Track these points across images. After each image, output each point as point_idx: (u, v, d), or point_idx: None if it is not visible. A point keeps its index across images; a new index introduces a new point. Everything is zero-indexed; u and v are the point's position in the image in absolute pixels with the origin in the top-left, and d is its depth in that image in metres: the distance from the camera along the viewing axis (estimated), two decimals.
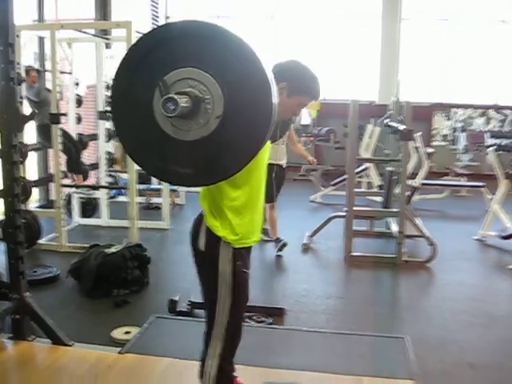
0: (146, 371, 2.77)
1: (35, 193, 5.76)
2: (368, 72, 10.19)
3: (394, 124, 5.32)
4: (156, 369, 2.80)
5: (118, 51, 6.58)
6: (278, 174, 4.94)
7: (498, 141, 9.36)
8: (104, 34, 6.31)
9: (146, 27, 9.03)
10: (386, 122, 5.76)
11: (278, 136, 4.62)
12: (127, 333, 3.20)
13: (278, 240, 5.01)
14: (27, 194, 4.52)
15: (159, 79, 1.48)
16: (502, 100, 9.98)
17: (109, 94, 6.20)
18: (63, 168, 5.26)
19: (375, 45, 10.06)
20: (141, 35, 1.61)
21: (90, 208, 6.14)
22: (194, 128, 1.52)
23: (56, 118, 4.73)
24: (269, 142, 1.87)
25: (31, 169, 6.04)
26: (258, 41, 1.83)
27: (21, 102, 4.40)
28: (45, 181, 6.07)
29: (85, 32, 5.46)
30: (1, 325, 3.13)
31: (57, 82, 4.79)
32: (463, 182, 8.31)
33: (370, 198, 7.20)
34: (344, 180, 7.12)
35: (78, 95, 5.91)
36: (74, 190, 5.78)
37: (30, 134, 5.39)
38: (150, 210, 6.70)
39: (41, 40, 6.24)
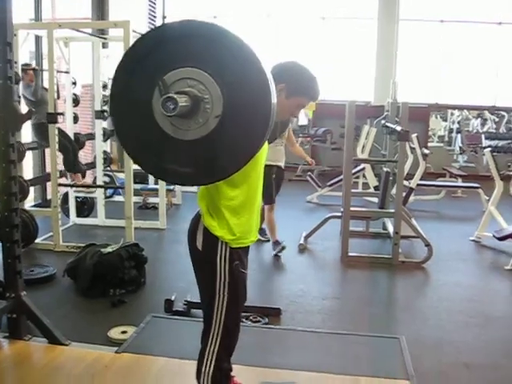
0: (142, 371, 2.78)
1: (31, 192, 5.73)
2: (364, 73, 10.22)
3: (390, 125, 5.34)
4: (152, 368, 2.81)
5: (115, 51, 6.59)
6: (277, 176, 4.96)
7: (493, 142, 9.41)
8: (101, 33, 6.30)
9: (143, 27, 9.04)
10: (382, 122, 5.77)
11: (277, 135, 4.63)
12: (124, 332, 3.20)
13: (276, 243, 5.00)
14: (24, 193, 4.52)
15: (158, 79, 1.48)
16: (499, 101, 10.02)
17: (106, 93, 6.22)
18: (60, 167, 5.24)
19: (371, 46, 10.10)
20: (138, 35, 1.62)
21: (86, 207, 6.13)
22: (193, 127, 1.53)
23: (53, 118, 4.73)
24: (266, 142, 1.88)
25: (27, 168, 6.02)
26: (254, 40, 1.83)
27: (18, 101, 4.41)
28: (41, 180, 6.06)
29: (82, 31, 5.45)
30: None
31: (54, 82, 4.78)
32: (459, 182, 8.34)
33: (367, 198, 7.22)
34: (340, 181, 7.14)
35: (74, 94, 5.90)
36: (73, 189, 5.78)
37: (25, 132, 5.38)
38: (147, 209, 6.70)
39: (37, 39, 6.22)
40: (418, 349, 3.13)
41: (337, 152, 9.01)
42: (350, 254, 4.94)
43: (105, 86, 6.29)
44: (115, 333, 3.21)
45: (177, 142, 1.54)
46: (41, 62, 6.22)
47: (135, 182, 5.22)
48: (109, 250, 4.01)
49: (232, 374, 2.26)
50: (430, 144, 10.01)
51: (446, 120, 10.37)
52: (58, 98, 5.28)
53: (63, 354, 2.90)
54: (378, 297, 4.31)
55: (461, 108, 10.18)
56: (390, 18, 9.89)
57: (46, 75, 5.47)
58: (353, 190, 5.63)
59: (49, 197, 6.32)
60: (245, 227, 2.03)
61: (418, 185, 7.01)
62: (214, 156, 1.56)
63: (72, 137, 5.78)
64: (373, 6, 9.93)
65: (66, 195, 5.82)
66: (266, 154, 2.03)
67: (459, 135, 10.04)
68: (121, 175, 6.47)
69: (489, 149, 5.89)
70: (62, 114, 4.94)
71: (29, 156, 5.72)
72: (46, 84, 5.28)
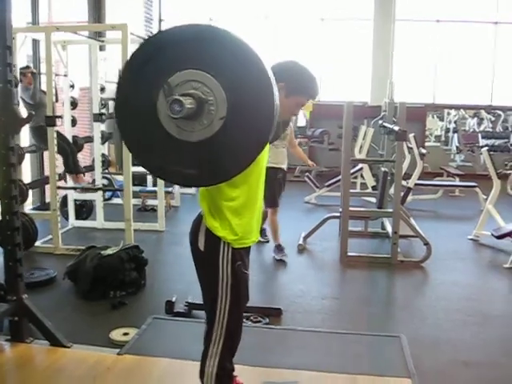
0: (144, 372, 2.79)
1: (29, 195, 5.74)
2: (361, 73, 10.25)
3: (388, 125, 5.36)
4: (155, 370, 2.82)
5: (112, 53, 6.60)
6: (280, 178, 4.94)
7: (490, 141, 9.44)
8: (98, 36, 6.32)
9: (140, 30, 9.05)
10: (380, 122, 5.80)
11: (279, 134, 4.61)
12: (125, 334, 3.21)
13: (279, 247, 5.00)
14: (24, 197, 4.53)
15: (163, 81, 1.50)
16: (495, 101, 10.06)
17: (103, 96, 6.23)
18: (59, 170, 5.25)
19: (368, 46, 10.13)
20: (136, 37, 1.64)
21: (85, 210, 6.14)
22: (197, 129, 1.54)
23: (52, 121, 4.74)
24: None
25: (25, 171, 6.03)
26: (252, 41, 1.85)
27: (17, 105, 4.42)
28: (40, 183, 6.06)
29: (80, 34, 5.46)
30: None
31: (52, 85, 4.80)
32: (457, 182, 8.36)
33: (365, 198, 7.24)
34: (338, 181, 7.16)
35: (72, 97, 5.91)
36: (72, 191, 5.78)
37: (23, 135, 5.39)
38: (146, 211, 6.71)
39: (35, 42, 6.23)
40: (417, 347, 3.14)
41: (334, 153, 9.03)
42: (349, 253, 4.96)
43: (102, 89, 6.29)
44: (117, 335, 3.22)
45: (181, 143, 1.56)
46: (38, 65, 6.22)
47: (134, 184, 5.24)
48: (109, 252, 4.01)
49: (234, 373, 2.28)
50: (426, 144, 10.04)
51: (442, 120, 10.40)
52: (57, 101, 5.29)
53: (65, 356, 2.91)
54: (377, 296, 4.33)
55: (457, 107, 10.21)
56: (386, 19, 9.92)
57: (43, 78, 5.49)
58: (351, 191, 5.65)
59: (47, 200, 6.34)
60: (246, 227, 2.05)
61: (415, 184, 7.03)
62: (218, 157, 1.57)
63: (70, 140, 5.78)
64: (369, 6, 9.96)
65: (64, 198, 5.83)
66: (266, 155, 2.04)
67: (456, 135, 10.07)
68: (119, 178, 6.48)
69: (486, 148, 5.91)
70: (60, 117, 4.95)
71: (27, 159, 5.72)
72: (44, 87, 5.29)
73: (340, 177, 6.50)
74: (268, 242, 5.28)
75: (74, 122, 5.93)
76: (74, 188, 5.76)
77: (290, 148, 5.13)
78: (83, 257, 4.04)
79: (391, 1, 9.92)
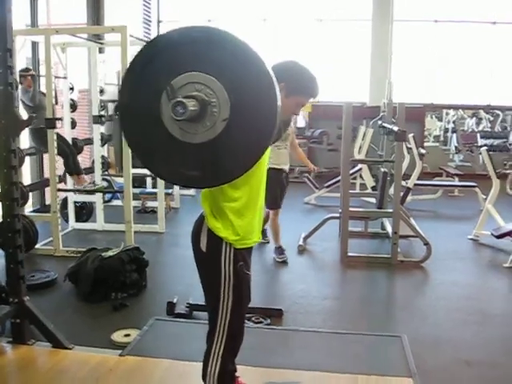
0: (147, 373, 2.79)
1: (29, 197, 5.74)
2: (359, 74, 10.26)
3: (387, 125, 5.37)
4: (157, 371, 2.82)
5: (111, 55, 6.62)
6: (283, 180, 4.92)
7: (489, 141, 9.46)
8: (97, 38, 6.32)
9: (139, 32, 9.06)
10: (379, 123, 5.81)
11: (281, 134, 4.59)
12: (127, 335, 3.22)
13: (280, 249, 5.00)
14: (24, 199, 4.53)
15: (166, 84, 1.51)
16: (494, 100, 10.08)
17: (103, 98, 6.23)
18: (59, 172, 5.25)
19: (366, 47, 10.14)
20: (135, 39, 1.66)
21: (85, 212, 6.14)
22: (200, 131, 1.55)
23: (51, 123, 4.74)
24: None
25: (25, 173, 6.03)
26: (252, 42, 1.87)
27: (18, 107, 4.42)
28: (40, 185, 6.06)
29: (79, 37, 5.47)
30: (0, 329, 3.14)
31: (52, 87, 4.80)
32: (456, 182, 8.38)
33: (364, 199, 7.25)
34: (338, 182, 7.17)
35: (72, 100, 5.91)
36: (72, 193, 5.78)
37: (23, 138, 5.39)
38: (145, 213, 6.71)
39: (34, 44, 6.24)
40: (418, 347, 3.15)
41: (333, 153, 9.04)
42: (350, 254, 4.97)
43: (102, 91, 6.30)
44: (118, 336, 3.22)
45: (184, 145, 1.57)
46: (37, 67, 6.23)
47: (133, 186, 5.24)
48: (110, 253, 4.02)
49: (236, 374, 2.28)
50: (425, 144, 10.06)
51: (441, 120, 10.42)
52: (56, 103, 5.30)
53: (67, 357, 2.91)
54: (377, 296, 4.34)
55: (456, 108, 10.22)
56: (384, 19, 9.94)
57: (42, 81, 5.50)
58: (351, 191, 5.66)
59: (47, 202, 6.34)
60: (248, 228, 2.06)
61: (415, 184, 7.04)
62: (221, 159, 1.58)
63: (70, 142, 5.78)
64: (367, 7, 9.99)
65: (64, 200, 5.83)
66: (268, 155, 2.05)
67: (455, 135, 10.09)
68: (119, 180, 6.49)
69: (485, 148, 5.93)
70: (60, 119, 4.96)
71: (26, 161, 5.73)
72: (43, 89, 5.30)
73: (339, 177, 6.52)
74: (268, 242, 5.29)
75: (73, 124, 5.93)
76: (74, 190, 5.76)
77: (291, 149, 5.09)
78: (84, 259, 4.04)
79: (389, 1, 9.94)
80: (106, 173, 6.84)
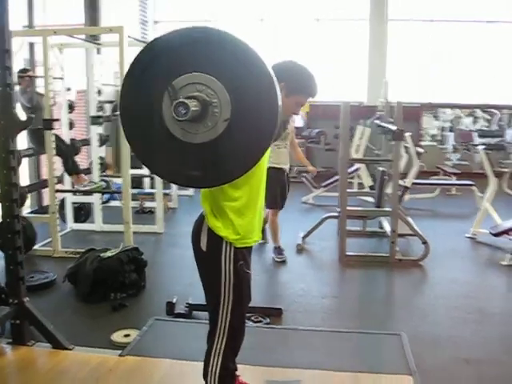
0: (147, 373, 2.80)
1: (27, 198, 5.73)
2: (355, 73, 10.27)
3: (385, 124, 5.38)
4: (157, 370, 2.83)
5: (108, 56, 6.61)
6: (283, 179, 4.89)
7: (485, 140, 9.46)
8: (94, 39, 6.32)
9: (136, 32, 9.05)
10: (377, 122, 5.82)
11: (281, 133, 4.57)
12: (127, 336, 3.22)
13: (279, 248, 5.00)
14: (22, 200, 4.53)
15: (167, 85, 1.52)
16: (491, 99, 10.09)
17: (101, 99, 6.23)
18: (57, 173, 5.24)
19: (363, 46, 10.16)
20: (133, 40, 1.66)
21: (83, 213, 6.14)
22: (202, 131, 1.56)
23: (49, 124, 4.74)
24: None
25: (22, 175, 6.02)
26: (251, 43, 1.89)
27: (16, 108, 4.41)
28: (38, 186, 6.06)
29: (76, 37, 5.46)
30: (0, 330, 3.14)
31: (49, 88, 4.80)
32: (453, 180, 8.39)
33: (362, 198, 7.26)
34: (335, 181, 7.18)
35: (70, 101, 5.90)
36: (70, 194, 5.77)
37: (19, 139, 5.37)
38: (144, 214, 6.71)
39: (31, 45, 6.23)
40: (418, 345, 3.16)
41: (331, 153, 9.03)
42: (348, 253, 4.97)
43: (99, 92, 6.28)
44: (118, 336, 3.23)
45: (186, 145, 1.58)
46: (34, 68, 6.22)
47: (131, 187, 5.23)
48: (108, 254, 4.02)
49: (237, 373, 2.29)
50: (422, 143, 10.06)
51: (437, 119, 10.42)
52: (54, 104, 5.29)
53: (67, 358, 2.92)
54: (376, 295, 4.34)
55: (453, 107, 10.23)
56: (381, 19, 9.96)
57: (39, 82, 5.49)
58: (348, 190, 5.67)
59: (45, 203, 6.34)
60: (248, 227, 2.07)
61: (412, 183, 7.05)
62: (223, 159, 1.59)
63: (68, 143, 5.77)
64: (364, 6, 10.01)
65: (62, 201, 5.83)
66: (268, 155, 2.06)
67: (452, 133, 10.10)
68: (117, 180, 6.48)
69: (483, 147, 5.94)
70: (58, 120, 4.95)
71: (24, 162, 5.71)
72: (40, 90, 5.29)
73: (337, 177, 6.53)
74: (266, 243, 5.29)
75: (71, 125, 5.92)
76: (73, 191, 5.75)
77: (291, 148, 5.06)
78: (83, 259, 4.05)
79: (386, 1, 9.96)
80: (104, 174, 6.83)
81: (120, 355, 2.93)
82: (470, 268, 4.96)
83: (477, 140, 9.21)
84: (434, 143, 10.32)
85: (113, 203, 6.83)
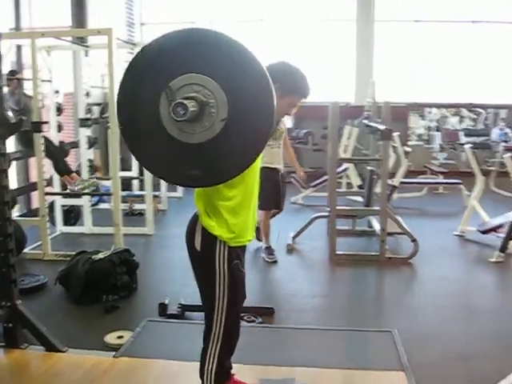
0: (141, 374, 2.80)
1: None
2: (342, 74, 10.33)
3: (373, 124, 5.43)
4: (152, 371, 2.84)
5: (96, 58, 6.59)
6: (277, 180, 4.87)
7: (472, 139, 9.56)
8: (81, 41, 6.30)
9: (122, 34, 9.04)
10: (365, 122, 5.87)
11: (274, 132, 4.57)
12: (120, 337, 3.22)
13: (270, 249, 5.01)
14: (13, 203, 4.50)
15: (164, 86, 1.53)
16: (476, 99, 10.20)
17: (89, 101, 6.21)
18: (46, 176, 5.22)
19: (350, 47, 10.22)
20: (121, 42, 1.67)
21: (72, 216, 6.11)
22: (199, 131, 1.58)
23: (38, 127, 4.72)
24: None
25: (10, 178, 5.97)
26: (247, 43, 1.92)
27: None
28: (27, 189, 6.02)
29: (64, 40, 5.44)
30: None
31: (38, 90, 4.78)
32: (441, 179, 8.47)
33: (351, 197, 7.30)
34: (324, 181, 7.22)
35: (58, 103, 5.88)
36: (59, 197, 5.74)
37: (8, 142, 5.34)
38: (133, 216, 6.69)
39: (18, 48, 6.20)
40: (409, 342, 3.18)
41: (319, 153, 9.09)
42: (338, 252, 5.01)
43: (87, 94, 6.26)
44: (111, 338, 3.22)
45: (184, 145, 1.60)
46: (22, 71, 6.18)
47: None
48: (100, 256, 4.01)
49: (232, 372, 2.31)
50: (409, 143, 10.14)
51: (424, 118, 10.51)
52: (42, 106, 5.26)
53: (61, 360, 2.91)
54: (367, 293, 4.38)
55: (439, 106, 10.32)
56: (368, 20, 10.03)
57: (27, 84, 5.46)
58: (338, 190, 5.70)
59: (34, 206, 6.30)
60: (243, 226, 2.09)
61: (400, 182, 7.11)
62: (220, 158, 1.62)
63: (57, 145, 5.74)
64: (351, 7, 10.08)
65: (51, 204, 5.80)
66: (261, 155, 2.08)
67: (438, 133, 10.19)
68: (105, 183, 6.46)
69: (469, 145, 6.01)
70: (46, 122, 4.93)
71: (12, 166, 5.67)
72: (28, 92, 5.26)
73: (326, 177, 6.57)
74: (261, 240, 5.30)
75: (59, 128, 5.89)
76: (62, 194, 5.72)
77: (283, 149, 5.01)
78: (74, 262, 4.03)
79: (372, 2, 10.03)
80: (94, 176, 6.80)
81: (114, 356, 2.93)
82: (458, 265, 5.01)
83: (463, 139, 9.32)
84: (421, 143, 10.41)
85: (102, 206, 6.81)
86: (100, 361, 2.90)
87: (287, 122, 5.02)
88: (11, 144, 5.59)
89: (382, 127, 4.88)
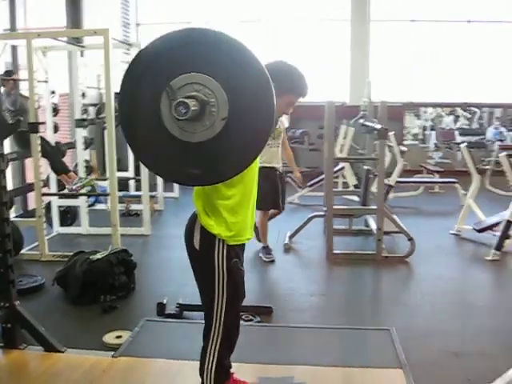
0: (141, 373, 2.81)
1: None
2: (338, 74, 10.35)
3: (370, 124, 5.44)
4: (151, 370, 2.85)
5: (92, 59, 6.58)
6: (275, 180, 4.83)
7: (467, 138, 9.61)
8: (77, 41, 6.29)
9: (118, 34, 9.03)
10: (362, 121, 5.88)
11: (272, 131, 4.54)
12: (118, 337, 3.22)
13: (267, 248, 5.01)
14: (10, 204, 4.49)
15: (165, 86, 1.54)
16: (471, 98, 10.24)
17: (85, 101, 6.20)
18: (43, 176, 5.20)
19: (345, 47, 10.25)
20: (117, 42, 1.69)
21: (69, 216, 6.10)
22: (199, 130, 1.59)
23: (35, 127, 4.71)
24: None
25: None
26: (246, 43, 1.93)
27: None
28: (23, 190, 6.01)
29: (60, 40, 5.43)
30: None
31: (34, 91, 4.77)
32: (437, 178, 8.50)
33: (347, 197, 7.32)
34: (320, 181, 7.23)
35: (54, 104, 5.87)
36: (56, 198, 5.73)
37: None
38: (130, 216, 6.69)
39: (14, 49, 6.19)
40: (406, 340, 3.20)
41: (315, 153, 9.11)
42: (335, 251, 5.02)
43: (83, 95, 6.25)
44: (110, 338, 3.22)
45: (185, 144, 1.61)
46: (17, 71, 6.18)
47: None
48: (98, 256, 4.02)
49: (231, 371, 2.32)
50: (405, 142, 10.17)
51: (419, 118, 10.55)
52: (38, 107, 5.25)
53: (60, 360, 2.91)
54: (364, 292, 4.40)
55: (435, 106, 10.36)
56: (363, 20, 10.06)
57: (22, 85, 5.46)
58: (334, 189, 5.72)
59: (30, 207, 6.29)
60: (241, 225, 2.10)
61: (396, 182, 7.13)
62: (219, 157, 1.63)
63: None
64: (346, 7, 10.11)
65: (48, 205, 5.79)
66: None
67: (434, 132, 10.23)
68: (102, 183, 6.46)
69: (465, 144, 6.04)
70: (43, 123, 4.92)
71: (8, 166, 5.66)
72: (24, 93, 5.25)
73: (322, 177, 6.57)
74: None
75: (56, 129, 5.88)
76: (59, 194, 5.71)
77: (282, 149, 4.99)
78: (72, 262, 4.03)
79: (367, 1, 10.06)
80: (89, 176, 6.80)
81: (113, 356, 2.93)
82: (455, 264, 5.04)
83: (458, 138, 9.36)
84: (416, 142, 10.45)
85: (98, 206, 6.80)
86: (99, 361, 2.90)
87: (285, 121, 4.97)
88: (6, 145, 5.59)
89: (378, 126, 4.89)
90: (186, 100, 1.49)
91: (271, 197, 4.81)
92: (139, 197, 6.18)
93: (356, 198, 6.72)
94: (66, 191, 5.65)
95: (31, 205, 6.08)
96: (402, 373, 2.73)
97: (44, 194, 5.12)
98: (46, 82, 5.63)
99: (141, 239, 5.70)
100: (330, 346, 3.14)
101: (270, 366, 2.83)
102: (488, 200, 6.70)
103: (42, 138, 5.12)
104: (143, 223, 5.88)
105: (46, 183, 5.69)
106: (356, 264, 4.90)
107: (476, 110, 10.14)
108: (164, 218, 6.87)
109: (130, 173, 7.06)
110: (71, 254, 4.31)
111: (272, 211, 5.03)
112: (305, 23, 10.46)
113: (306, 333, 3.34)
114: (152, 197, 6.68)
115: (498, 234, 4.98)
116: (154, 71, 1.60)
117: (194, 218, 2.11)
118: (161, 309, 3.64)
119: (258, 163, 2.08)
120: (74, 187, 5.34)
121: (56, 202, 5.82)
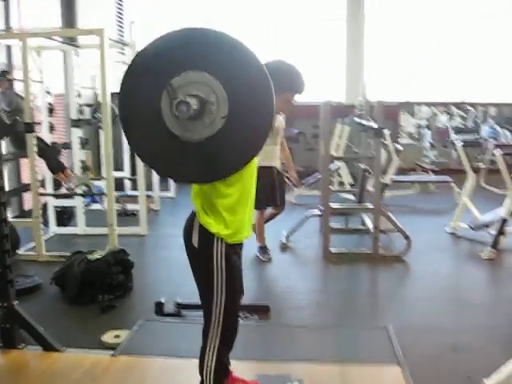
0: (141, 372, 2.82)
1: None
2: (333, 73, 10.37)
3: (365, 122, 5.46)
4: (151, 368, 2.85)
5: (87, 59, 6.57)
6: (273, 179, 4.81)
7: (462, 136, 9.64)
8: (72, 41, 6.28)
9: (112, 33, 9.01)
10: (357, 120, 5.90)
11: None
12: (117, 336, 3.23)
13: (264, 248, 5.02)
14: (7, 205, 4.49)
15: (165, 84, 1.56)
16: (466, 97, 10.28)
17: (81, 101, 6.19)
18: (39, 177, 5.20)
19: (340, 46, 10.27)
20: (113, 42, 1.69)
21: (65, 217, 6.10)
22: (200, 128, 1.60)
23: (31, 127, 4.70)
24: None
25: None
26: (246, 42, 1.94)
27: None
28: (19, 191, 6.00)
29: (55, 40, 5.42)
30: None
31: (30, 91, 4.77)
32: (432, 177, 8.53)
33: (343, 196, 7.34)
34: (317, 180, 7.24)
35: (49, 104, 5.85)
36: (52, 198, 5.73)
37: None
38: (126, 216, 6.68)
39: (8, 49, 6.17)
40: (404, 337, 3.22)
41: (310, 152, 9.13)
42: (332, 249, 5.04)
43: (79, 95, 6.24)
44: (108, 337, 3.23)
45: (185, 142, 1.61)
46: (12, 71, 6.16)
47: None
48: (96, 256, 4.02)
49: (230, 369, 2.33)
50: (400, 141, 10.19)
51: (414, 117, 10.58)
52: (34, 107, 5.24)
53: (60, 360, 2.92)
54: (361, 290, 4.43)
55: (429, 105, 10.39)
56: (358, 19, 10.09)
57: (17, 85, 5.44)
58: (330, 188, 5.73)
59: (26, 208, 6.28)
60: (240, 223, 2.11)
61: (392, 180, 7.14)
62: (219, 155, 1.64)
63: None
64: (341, 6, 10.14)
65: (44, 205, 5.78)
66: None
67: (429, 131, 10.26)
68: (98, 183, 6.45)
69: (461, 143, 6.07)
70: (39, 123, 4.91)
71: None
72: (19, 93, 5.24)
73: (317, 174, 6.59)
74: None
75: (51, 129, 5.87)
76: (55, 195, 5.71)
77: (281, 150, 4.96)
78: (70, 262, 4.04)
79: (363, 1, 10.09)
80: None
81: (112, 355, 2.94)
82: (451, 262, 5.07)
83: (453, 137, 9.40)
84: (412, 141, 10.47)
85: (94, 206, 6.79)
86: (99, 359, 2.91)
87: (283, 120, 4.97)
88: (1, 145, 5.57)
89: (375, 125, 4.91)
90: (188, 98, 1.50)
91: (266, 195, 4.73)
92: (135, 197, 6.18)
93: (352, 197, 6.74)
94: (62, 191, 5.63)
95: (27, 205, 6.07)
96: (399, 369, 2.75)
97: (40, 195, 5.12)
98: (41, 82, 5.62)
99: (137, 239, 5.71)
100: (327, 343, 3.16)
101: (268, 363, 2.84)
102: (483, 198, 6.71)
103: (38, 137, 5.12)
104: (140, 223, 5.88)
105: (42, 184, 5.68)
106: (353, 262, 4.92)
107: (470, 108, 10.18)
108: (160, 217, 6.87)
109: (126, 173, 7.05)
110: (68, 254, 4.32)
111: (271, 211, 5.04)
112: (300, 23, 10.47)
113: (304, 331, 3.36)
114: (148, 196, 6.67)
115: (494, 231, 5.01)
116: (154, 71, 1.61)
117: (192, 217, 2.12)
118: (159, 308, 3.65)
119: (256, 163, 2.09)
120: (71, 185, 5.31)
121: (52, 203, 5.81)
